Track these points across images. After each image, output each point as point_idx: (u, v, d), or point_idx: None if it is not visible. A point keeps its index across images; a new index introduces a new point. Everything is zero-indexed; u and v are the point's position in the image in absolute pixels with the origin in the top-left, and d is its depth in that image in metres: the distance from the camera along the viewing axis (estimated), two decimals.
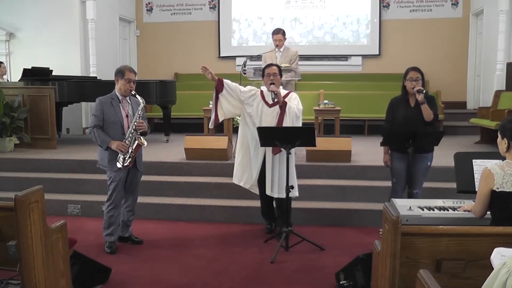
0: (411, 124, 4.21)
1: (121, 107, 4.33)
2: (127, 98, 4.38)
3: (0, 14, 9.22)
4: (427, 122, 4.21)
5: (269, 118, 4.58)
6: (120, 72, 4.31)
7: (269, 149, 4.57)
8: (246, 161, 4.74)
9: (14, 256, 2.65)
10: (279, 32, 6.50)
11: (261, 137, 4.37)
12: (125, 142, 4.24)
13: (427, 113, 4.17)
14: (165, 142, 7.76)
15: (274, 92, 4.46)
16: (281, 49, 6.48)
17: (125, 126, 4.30)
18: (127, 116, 4.34)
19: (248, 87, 4.76)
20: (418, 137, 4.10)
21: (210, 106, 7.00)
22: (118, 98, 4.34)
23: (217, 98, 4.64)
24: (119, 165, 4.25)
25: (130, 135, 4.27)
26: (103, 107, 4.28)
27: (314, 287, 3.67)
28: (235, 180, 4.83)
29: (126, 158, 4.25)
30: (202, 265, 4.06)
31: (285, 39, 6.53)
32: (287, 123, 4.54)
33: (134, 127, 4.29)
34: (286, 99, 4.58)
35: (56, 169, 6.14)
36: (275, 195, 4.61)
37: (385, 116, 4.47)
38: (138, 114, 4.32)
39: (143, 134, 4.34)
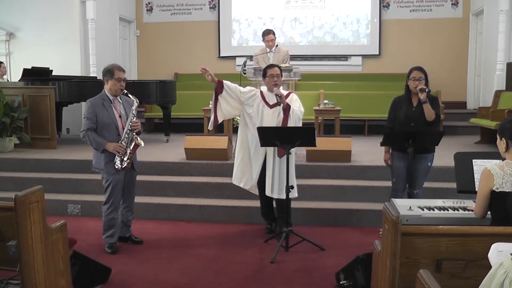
0: (412, 123, 4.20)
1: (113, 108, 4.24)
2: (118, 98, 4.29)
3: (0, 14, 9.22)
4: (428, 122, 4.20)
5: (270, 119, 4.57)
6: (109, 72, 4.20)
7: (270, 150, 4.57)
8: (246, 161, 4.73)
9: (14, 256, 2.65)
10: (270, 33, 6.54)
11: (261, 137, 4.36)
12: (121, 143, 4.18)
13: (429, 112, 4.16)
14: (165, 142, 7.76)
15: (278, 95, 4.45)
16: (273, 49, 6.51)
17: (119, 126, 4.23)
18: (120, 116, 4.25)
19: (248, 88, 4.75)
20: (418, 137, 4.10)
21: (210, 106, 7.04)
22: (109, 99, 4.24)
23: (216, 99, 4.62)
24: (117, 167, 4.18)
25: (126, 135, 4.20)
26: (95, 109, 4.18)
27: (314, 287, 3.67)
28: (235, 181, 4.82)
29: (125, 160, 4.19)
30: (202, 265, 4.06)
31: (275, 38, 6.57)
32: (290, 126, 4.54)
33: (129, 127, 4.21)
34: (287, 100, 4.58)
35: (56, 169, 6.14)
36: (275, 196, 4.60)
37: (388, 115, 4.47)
38: (133, 113, 4.25)
39: (137, 133, 4.27)
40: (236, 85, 4.72)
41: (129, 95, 4.30)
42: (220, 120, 4.73)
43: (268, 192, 4.59)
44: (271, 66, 4.72)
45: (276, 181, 4.55)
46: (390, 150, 4.44)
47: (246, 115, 4.68)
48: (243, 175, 4.75)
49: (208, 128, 4.96)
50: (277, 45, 6.65)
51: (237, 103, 4.67)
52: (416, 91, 4.17)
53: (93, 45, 9.00)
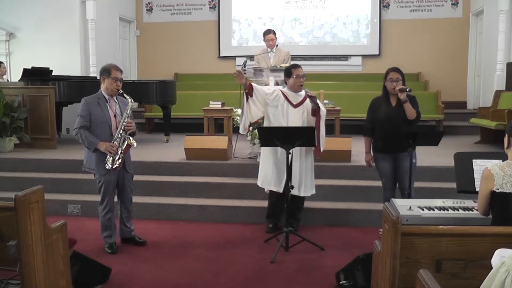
0: (392, 122, 4.24)
1: (108, 107, 4.21)
2: (114, 98, 4.27)
3: (0, 14, 9.22)
4: (409, 120, 4.23)
5: (296, 118, 4.60)
6: (106, 71, 4.19)
7: (296, 150, 4.51)
8: (270, 163, 4.69)
9: (14, 256, 2.65)
10: (270, 32, 6.57)
11: (261, 137, 4.37)
12: (113, 143, 4.15)
13: (410, 111, 4.21)
14: (165, 142, 7.76)
15: (312, 96, 4.50)
16: (274, 49, 6.53)
17: (113, 126, 4.20)
18: (115, 116, 4.23)
19: (271, 88, 4.77)
20: (418, 137, 4.09)
21: (211, 106, 7.04)
22: (105, 98, 4.22)
23: (247, 103, 4.59)
24: (108, 167, 4.14)
25: (119, 135, 4.17)
26: (89, 107, 4.16)
27: (314, 287, 3.67)
28: (264, 184, 4.77)
29: (116, 160, 4.15)
30: (202, 265, 4.06)
31: (276, 38, 6.58)
32: (322, 126, 4.60)
33: (123, 128, 4.18)
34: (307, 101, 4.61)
35: (56, 169, 6.13)
36: (302, 194, 4.63)
37: (366, 115, 4.49)
38: (127, 114, 4.22)
39: (132, 134, 4.24)
40: (261, 86, 4.71)
41: (125, 95, 4.26)
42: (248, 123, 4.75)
43: (295, 191, 4.59)
44: (296, 66, 4.67)
45: (303, 180, 4.61)
46: (371, 151, 4.49)
47: (272, 116, 4.65)
48: (271, 177, 4.69)
49: (241, 132, 4.86)
50: (277, 45, 6.66)
51: (262, 105, 4.65)
52: (395, 92, 4.22)
53: (93, 45, 9.00)
